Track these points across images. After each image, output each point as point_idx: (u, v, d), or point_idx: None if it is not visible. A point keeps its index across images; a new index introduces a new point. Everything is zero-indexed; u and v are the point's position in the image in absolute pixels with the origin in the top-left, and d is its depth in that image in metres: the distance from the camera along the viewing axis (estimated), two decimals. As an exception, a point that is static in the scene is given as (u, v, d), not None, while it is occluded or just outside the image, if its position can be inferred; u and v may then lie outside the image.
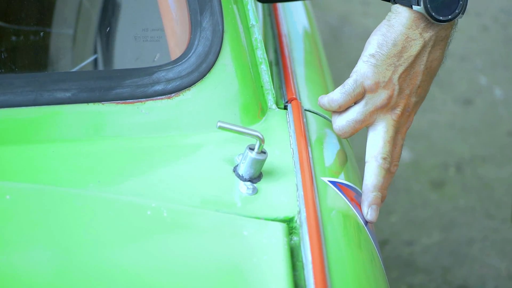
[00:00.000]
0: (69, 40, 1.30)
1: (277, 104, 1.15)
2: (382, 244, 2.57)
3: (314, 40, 1.57)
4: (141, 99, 1.04)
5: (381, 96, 1.05)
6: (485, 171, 2.92)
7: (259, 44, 1.13)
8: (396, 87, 1.05)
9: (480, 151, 3.04)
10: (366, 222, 1.04)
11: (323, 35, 3.94)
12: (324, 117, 1.19)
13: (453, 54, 3.69)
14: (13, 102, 0.99)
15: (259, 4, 1.41)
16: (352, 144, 1.30)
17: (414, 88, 1.06)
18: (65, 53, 1.25)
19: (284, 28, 1.39)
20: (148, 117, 1.04)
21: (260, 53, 1.13)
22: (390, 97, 1.05)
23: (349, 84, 1.07)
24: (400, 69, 1.05)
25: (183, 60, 1.06)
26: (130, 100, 1.03)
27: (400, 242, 2.59)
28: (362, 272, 0.93)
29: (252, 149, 0.98)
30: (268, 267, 0.87)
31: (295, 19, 1.57)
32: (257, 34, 1.13)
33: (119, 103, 1.03)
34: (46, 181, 0.94)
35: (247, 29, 1.13)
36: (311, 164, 1.02)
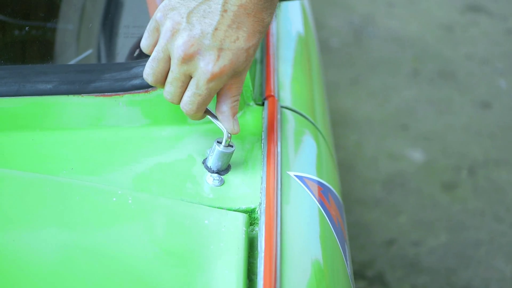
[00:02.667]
0: (67, 34, 1.36)
1: (256, 100, 1.20)
2: (388, 243, 2.60)
3: (307, 41, 1.61)
4: (120, 93, 1.09)
5: (166, 25, 0.96)
6: (498, 175, 2.93)
7: (239, 42, 1.17)
8: (184, 20, 0.95)
9: (494, 154, 3.04)
10: (331, 217, 1.08)
11: (345, 35, 3.97)
12: (304, 116, 1.23)
13: (474, 57, 3.69)
14: (-3, 92, 1.05)
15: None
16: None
17: (207, 28, 0.95)
18: (62, 47, 1.31)
19: (273, 27, 1.43)
20: (126, 109, 1.09)
21: (240, 51, 1.17)
22: (175, 26, 0.95)
23: (149, 23, 0.99)
24: (192, 4, 0.95)
25: (162, 56, 1.10)
26: (108, 93, 1.08)
27: (407, 242, 2.61)
28: (316, 267, 0.97)
29: (220, 142, 1.03)
30: (223, 254, 0.91)
31: (290, 19, 1.61)
32: (238, 33, 1.17)
33: (98, 95, 1.08)
34: (21, 166, 0.99)
35: (228, 28, 1.17)
36: (278, 158, 1.06)
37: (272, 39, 1.38)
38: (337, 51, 3.85)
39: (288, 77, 1.35)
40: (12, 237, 0.87)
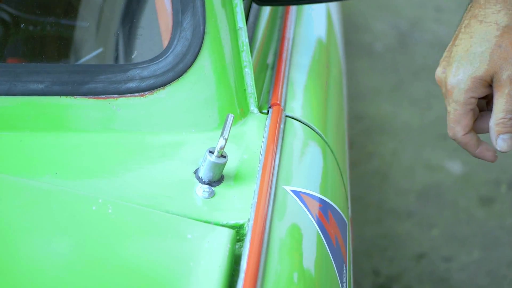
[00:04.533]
0: (75, 32, 1.33)
1: (261, 108, 1.14)
2: (418, 257, 2.51)
3: (328, 48, 1.55)
4: (114, 95, 1.05)
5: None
6: (540, 191, 2.81)
7: (245, 47, 1.12)
8: None
9: (536, 170, 2.92)
10: (328, 237, 1.02)
11: (390, 39, 3.88)
12: (312, 128, 1.18)
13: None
14: (-13, 90, 1.02)
15: (268, 7, 1.40)
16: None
17: None
18: (71, 45, 1.28)
19: (289, 32, 1.38)
20: (119, 113, 1.05)
21: (245, 56, 1.12)
22: None
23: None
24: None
25: (160, 59, 1.06)
26: (102, 96, 1.04)
27: (438, 257, 2.52)
28: None
29: (212, 152, 0.98)
30: (202, 271, 0.86)
31: (312, 24, 1.55)
32: (244, 37, 1.12)
33: (91, 97, 1.04)
34: (4, 168, 0.96)
35: (234, 32, 1.12)
36: (274, 171, 1.01)
37: (287, 44, 1.33)
38: (380, 56, 3.76)
39: (300, 85, 1.29)
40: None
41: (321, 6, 1.64)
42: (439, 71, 1.03)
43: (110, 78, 1.05)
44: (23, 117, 1.03)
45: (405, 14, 4.04)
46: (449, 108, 1.01)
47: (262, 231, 0.91)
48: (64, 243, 0.87)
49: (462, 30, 1.01)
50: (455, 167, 2.94)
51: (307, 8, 1.59)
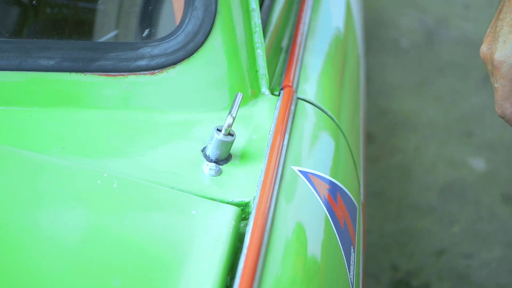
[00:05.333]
0: (96, 13, 1.33)
1: (273, 90, 1.14)
2: (438, 253, 2.49)
3: (346, 39, 1.53)
4: (124, 73, 1.04)
5: None
6: None
7: (257, 29, 1.11)
8: None
9: (562, 168, 2.88)
10: (336, 218, 1.01)
11: (416, 36, 3.84)
12: (324, 111, 1.16)
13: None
14: (-2, 65, 1.03)
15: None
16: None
17: None
18: (83, 22, 1.27)
19: (306, 16, 1.37)
20: (129, 91, 1.05)
21: (258, 37, 1.11)
22: None
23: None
24: None
25: (171, 38, 1.06)
26: (112, 73, 1.04)
27: (459, 253, 2.49)
28: (309, 269, 0.90)
29: (219, 130, 0.97)
30: (205, 247, 0.85)
31: (331, 13, 1.53)
32: (257, 18, 1.11)
33: (101, 75, 1.04)
34: (12, 142, 0.96)
35: (247, 13, 1.11)
36: (282, 151, 1.00)
37: (302, 28, 1.32)
38: (406, 52, 3.73)
39: (316, 70, 1.28)
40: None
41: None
42: (484, 48, 1.00)
43: (120, 56, 1.04)
44: (33, 93, 1.03)
45: (432, 11, 4.00)
46: (496, 85, 0.99)
47: (267, 210, 0.90)
48: (68, 215, 0.87)
49: (506, 3, 0.98)
50: (478, 164, 2.91)
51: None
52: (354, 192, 1.14)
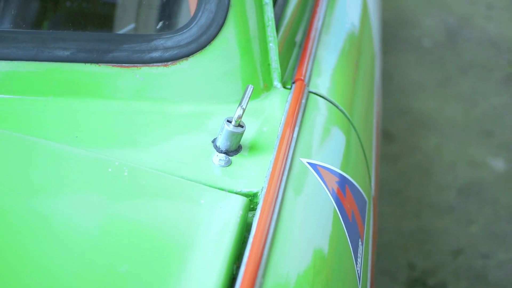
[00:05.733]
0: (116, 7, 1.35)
1: (285, 84, 1.15)
2: (456, 253, 2.48)
3: (361, 36, 1.53)
4: (137, 64, 1.06)
5: None
6: None
7: (270, 22, 1.13)
8: None
9: None
10: (344, 210, 1.01)
11: (438, 35, 3.83)
12: (336, 106, 1.17)
13: None
14: (15, 55, 1.05)
15: (301, -13, 1.39)
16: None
17: None
18: (98, 15, 1.29)
19: (320, 11, 1.37)
20: (142, 82, 1.06)
21: (270, 31, 1.12)
22: None
23: None
24: None
25: (184, 30, 1.07)
26: (126, 64, 1.06)
27: (476, 253, 2.48)
28: (314, 260, 0.91)
29: (229, 121, 0.99)
30: (212, 236, 0.87)
31: (346, 10, 1.54)
32: (270, 12, 1.12)
33: (115, 66, 1.06)
34: (27, 130, 0.98)
35: (260, 7, 1.13)
36: (291, 143, 1.01)
37: (317, 23, 1.33)
38: (428, 51, 3.72)
39: (329, 64, 1.29)
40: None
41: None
42: None
43: (134, 47, 1.06)
44: (48, 83, 1.05)
45: (455, 11, 3.98)
46: None
47: (274, 200, 0.91)
48: (79, 202, 0.88)
49: None
50: (498, 164, 2.89)
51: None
52: (364, 186, 1.15)
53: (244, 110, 0.97)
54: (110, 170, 0.92)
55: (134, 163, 0.95)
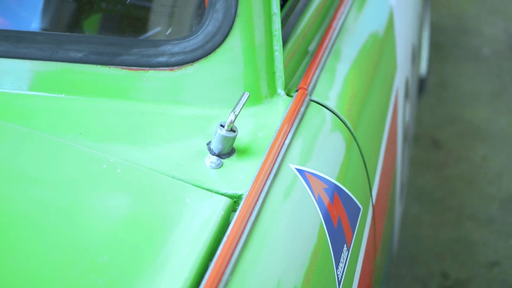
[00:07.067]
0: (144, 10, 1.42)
1: (290, 92, 1.19)
2: (491, 265, 2.47)
3: (382, 46, 1.56)
4: (145, 68, 1.13)
5: None
6: None
7: (277, 32, 1.17)
8: None
9: None
10: (329, 216, 1.05)
11: (499, 45, 3.78)
12: (337, 116, 1.21)
13: None
14: (33, 55, 1.13)
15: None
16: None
17: None
18: (111, 19, 1.36)
19: (338, 22, 1.41)
20: (148, 85, 1.13)
21: (277, 41, 1.17)
22: None
23: None
24: None
25: (191, 37, 1.13)
26: (134, 67, 1.13)
27: (512, 267, 2.47)
28: (289, 264, 0.96)
29: (222, 126, 1.04)
30: (192, 233, 0.92)
31: (369, 20, 1.57)
32: (277, 23, 1.17)
33: (124, 68, 1.13)
34: (35, 125, 1.06)
35: (269, 16, 1.17)
36: (282, 149, 1.06)
37: (331, 33, 1.37)
38: (486, 61, 3.68)
39: (339, 74, 1.33)
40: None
41: (384, 7, 1.66)
42: None
43: (142, 52, 1.13)
44: (61, 81, 1.13)
45: (520, 20, 3.93)
46: None
47: (254, 202, 0.96)
48: (68, 193, 0.95)
49: None
50: (544, 178, 2.86)
51: (370, 4, 1.61)
52: (359, 195, 1.18)
53: (236, 116, 1.03)
54: (104, 166, 0.99)
55: (130, 161, 1.02)
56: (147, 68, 1.13)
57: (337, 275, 1.05)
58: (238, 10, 1.14)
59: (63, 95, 1.13)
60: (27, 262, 0.86)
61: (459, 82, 3.52)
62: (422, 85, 3.25)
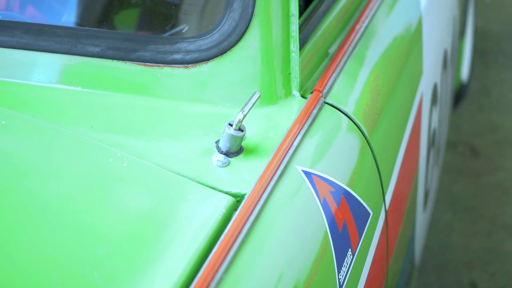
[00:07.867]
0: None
1: (305, 93, 1.19)
2: (521, 277, 2.43)
3: (408, 51, 1.55)
4: (160, 64, 1.14)
5: None
6: None
7: (294, 33, 1.17)
8: None
9: None
10: (333, 220, 1.05)
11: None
12: (352, 119, 1.21)
13: None
14: (52, 48, 1.15)
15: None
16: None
17: None
18: (130, 15, 1.38)
19: (361, 25, 1.40)
20: (163, 81, 1.14)
21: (294, 42, 1.17)
22: None
23: None
24: None
25: (207, 36, 1.14)
26: (150, 64, 1.14)
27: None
28: (288, 267, 0.96)
29: (231, 125, 1.05)
30: (191, 229, 0.93)
31: (395, 25, 1.56)
32: (295, 24, 1.17)
33: (139, 64, 1.14)
34: (49, 117, 1.08)
35: (287, 17, 1.18)
36: (290, 150, 1.06)
37: (353, 36, 1.36)
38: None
39: (360, 79, 1.32)
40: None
41: (414, 12, 1.64)
42: None
43: (158, 48, 1.14)
44: (78, 75, 1.15)
45: None
46: None
47: (255, 202, 0.97)
48: (76, 185, 0.97)
49: None
50: None
51: (399, 9, 1.60)
52: (369, 200, 1.18)
53: (245, 115, 1.03)
54: (111, 160, 1.01)
55: (138, 155, 1.03)
56: (163, 64, 1.15)
57: (339, 278, 1.05)
58: (255, 10, 1.15)
59: (79, 88, 1.15)
60: (24, 253, 0.88)
61: (501, 89, 3.46)
62: (463, 91, 3.21)
